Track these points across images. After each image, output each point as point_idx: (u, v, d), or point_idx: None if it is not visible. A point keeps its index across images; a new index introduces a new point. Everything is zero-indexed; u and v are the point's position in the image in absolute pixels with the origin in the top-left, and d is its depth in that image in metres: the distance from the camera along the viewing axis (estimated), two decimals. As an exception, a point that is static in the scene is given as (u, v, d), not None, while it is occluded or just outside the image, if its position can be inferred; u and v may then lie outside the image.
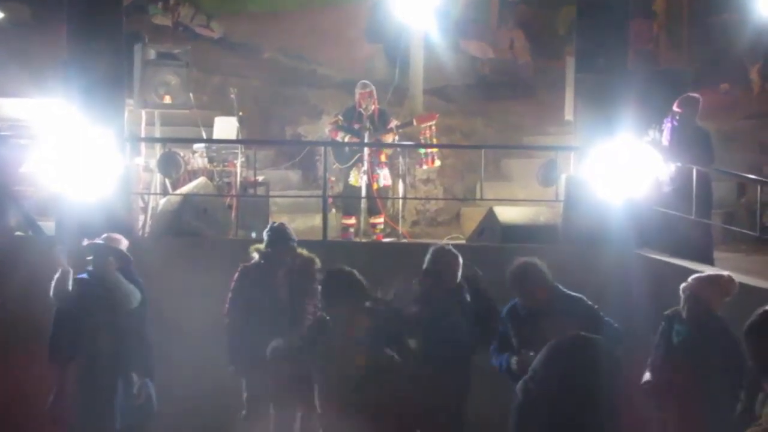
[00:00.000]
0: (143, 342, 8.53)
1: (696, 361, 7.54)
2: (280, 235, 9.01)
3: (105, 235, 8.54)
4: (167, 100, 12.62)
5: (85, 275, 8.46)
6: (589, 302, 7.81)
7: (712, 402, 7.34)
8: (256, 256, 9.00)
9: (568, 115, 12.01)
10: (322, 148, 13.04)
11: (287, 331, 8.34)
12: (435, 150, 13.40)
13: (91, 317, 8.25)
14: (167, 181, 12.37)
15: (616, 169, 10.72)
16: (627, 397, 6.80)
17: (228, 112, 13.93)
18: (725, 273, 8.02)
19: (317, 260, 9.04)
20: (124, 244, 8.57)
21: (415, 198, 15.21)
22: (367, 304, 7.22)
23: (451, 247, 7.93)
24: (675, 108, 11.14)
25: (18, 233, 11.25)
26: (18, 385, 8.45)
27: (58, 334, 8.31)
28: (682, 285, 7.82)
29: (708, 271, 8.00)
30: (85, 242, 8.47)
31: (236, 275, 9.01)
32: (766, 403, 6.03)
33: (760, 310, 4.87)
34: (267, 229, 9.11)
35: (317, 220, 12.57)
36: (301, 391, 7.64)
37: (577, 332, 6.66)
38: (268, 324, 8.58)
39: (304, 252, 9.09)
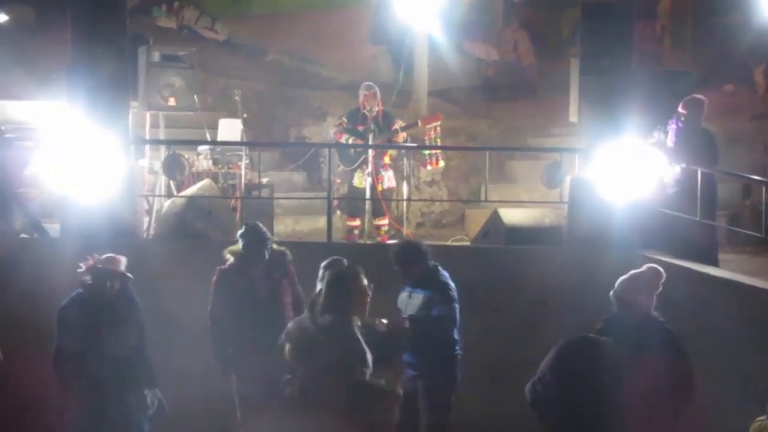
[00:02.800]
0: (145, 357, 8.52)
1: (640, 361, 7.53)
2: (256, 235, 9.03)
3: (105, 257, 8.44)
4: (172, 102, 12.62)
5: (81, 293, 8.39)
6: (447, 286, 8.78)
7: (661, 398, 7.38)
8: (231, 258, 9.02)
9: (573, 117, 12.01)
10: (327, 150, 13.05)
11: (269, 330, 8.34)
12: (439, 151, 13.41)
13: (93, 339, 8.21)
14: (172, 183, 12.38)
15: (621, 170, 10.72)
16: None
17: (232, 114, 13.95)
18: (644, 267, 7.95)
19: (288, 252, 9.17)
20: (123, 263, 8.49)
21: (420, 200, 15.22)
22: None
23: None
24: (680, 109, 11.12)
25: (23, 235, 11.27)
26: (21, 387, 8.43)
27: (61, 349, 8.29)
28: (611, 292, 7.79)
29: (631, 271, 7.92)
30: (84, 266, 8.36)
31: (214, 278, 9.03)
32: None
33: None
34: (242, 231, 9.12)
35: (322, 222, 12.59)
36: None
37: (585, 334, 6.67)
38: (250, 322, 8.74)
39: (274, 245, 9.19)
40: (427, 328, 8.56)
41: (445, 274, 8.91)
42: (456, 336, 8.91)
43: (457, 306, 8.78)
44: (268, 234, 9.23)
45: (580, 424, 6.38)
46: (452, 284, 8.86)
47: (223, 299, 8.95)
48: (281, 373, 8.47)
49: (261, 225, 9.26)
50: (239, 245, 9.04)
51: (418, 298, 8.78)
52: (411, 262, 8.89)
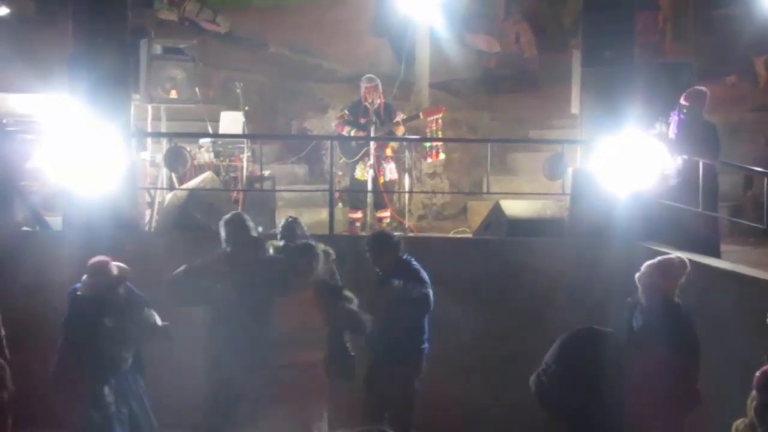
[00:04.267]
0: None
1: (654, 346, 7.60)
2: (291, 230, 9.31)
3: (91, 269, 8.42)
4: (173, 95, 12.63)
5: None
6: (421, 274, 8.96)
7: (671, 384, 7.44)
8: (271, 251, 9.26)
9: (575, 109, 11.99)
10: (328, 143, 13.05)
11: None
12: (440, 143, 13.41)
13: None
14: (173, 176, 12.38)
15: (623, 162, 10.71)
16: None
17: (234, 107, 13.95)
18: (674, 256, 8.10)
19: (332, 252, 9.32)
20: (112, 266, 8.48)
21: (422, 192, 15.21)
22: None
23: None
24: (682, 101, 11.11)
25: (25, 228, 11.27)
26: (25, 379, 8.44)
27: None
28: (637, 274, 7.92)
29: (659, 257, 8.07)
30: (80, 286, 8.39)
31: None
32: (751, 396, 6.10)
33: None
34: (282, 224, 9.41)
35: (324, 214, 12.58)
36: None
37: (589, 326, 6.71)
38: None
39: (320, 245, 9.25)
40: (400, 314, 8.78)
41: (418, 265, 9.05)
42: (426, 327, 9.05)
43: (431, 291, 8.91)
44: (305, 231, 9.47)
45: (585, 414, 6.40)
46: (425, 273, 9.00)
47: None
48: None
49: (298, 221, 9.55)
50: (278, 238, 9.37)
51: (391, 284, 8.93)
52: (382, 249, 9.05)
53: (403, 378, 8.99)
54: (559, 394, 6.63)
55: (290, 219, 9.59)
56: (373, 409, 9.05)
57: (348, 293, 8.60)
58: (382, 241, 9.22)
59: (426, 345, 9.06)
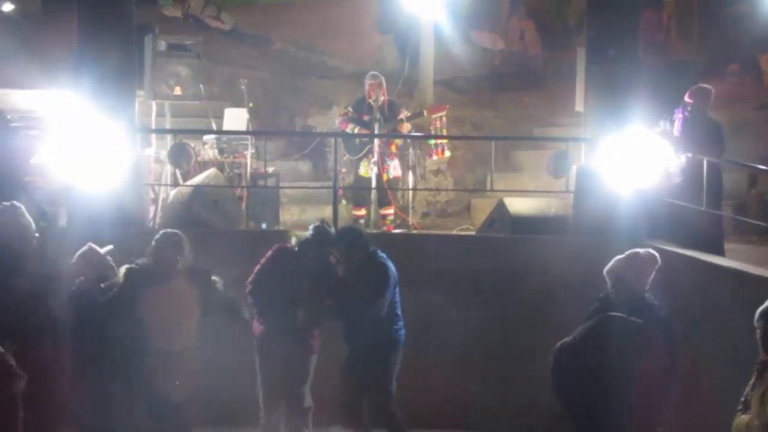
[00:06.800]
0: None
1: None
2: (322, 236, 9.26)
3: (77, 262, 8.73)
4: (178, 91, 12.64)
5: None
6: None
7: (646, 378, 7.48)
8: (294, 241, 9.32)
9: (579, 106, 11.99)
10: (332, 140, 13.05)
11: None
12: (445, 141, 13.41)
13: None
14: (178, 173, 12.40)
15: (627, 160, 10.71)
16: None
17: (238, 104, 13.96)
18: (642, 250, 8.07)
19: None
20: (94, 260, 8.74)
21: (426, 189, 15.22)
22: None
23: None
24: (686, 99, 11.11)
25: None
26: (30, 376, 8.44)
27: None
28: (606, 269, 7.92)
29: (628, 251, 8.07)
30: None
31: (270, 252, 9.29)
32: (755, 388, 6.08)
33: None
34: (313, 226, 9.35)
35: (327, 211, 12.58)
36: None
37: (619, 314, 6.78)
38: (285, 302, 9.06)
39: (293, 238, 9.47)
40: (363, 308, 9.00)
41: (384, 256, 9.17)
42: (400, 314, 9.16)
43: (390, 288, 9.04)
44: (333, 239, 9.39)
45: (589, 403, 6.45)
46: (391, 266, 9.11)
47: (269, 272, 9.20)
48: (305, 358, 9.08)
49: (328, 228, 9.46)
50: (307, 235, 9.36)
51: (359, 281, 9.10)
52: (351, 246, 9.19)
53: (380, 366, 9.06)
54: (578, 372, 6.68)
55: (319, 224, 9.50)
56: (351, 399, 9.15)
57: (216, 277, 8.76)
58: (351, 237, 9.34)
59: (402, 332, 9.16)
